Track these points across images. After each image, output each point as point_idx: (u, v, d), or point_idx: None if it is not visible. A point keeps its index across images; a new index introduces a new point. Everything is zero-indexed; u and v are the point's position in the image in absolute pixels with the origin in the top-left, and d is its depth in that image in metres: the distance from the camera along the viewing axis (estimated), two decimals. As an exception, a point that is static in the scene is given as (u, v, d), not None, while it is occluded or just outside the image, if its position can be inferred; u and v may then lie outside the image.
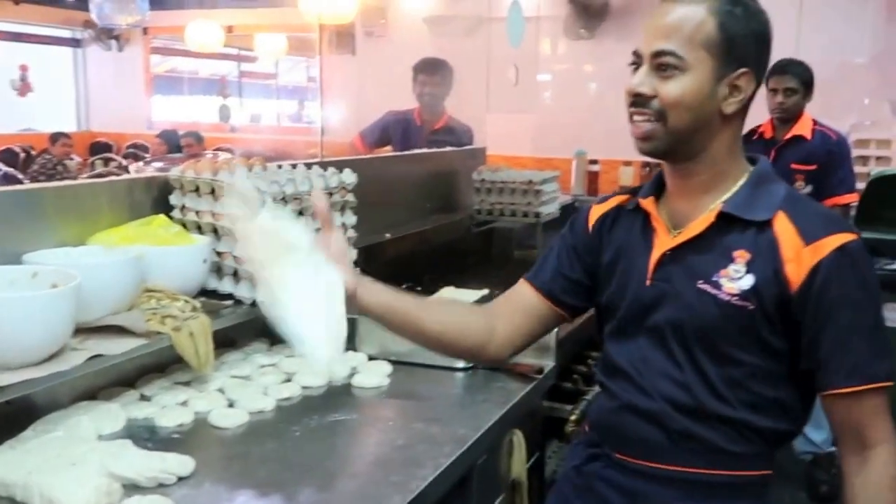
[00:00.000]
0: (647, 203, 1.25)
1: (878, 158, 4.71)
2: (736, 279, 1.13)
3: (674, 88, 1.12)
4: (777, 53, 3.77)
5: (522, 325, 1.36)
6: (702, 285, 1.15)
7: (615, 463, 1.24)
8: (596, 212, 1.35)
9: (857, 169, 4.67)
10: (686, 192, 1.21)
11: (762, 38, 1.16)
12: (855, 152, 4.71)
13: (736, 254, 1.14)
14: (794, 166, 3.28)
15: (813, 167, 3.27)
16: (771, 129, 3.39)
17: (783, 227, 1.13)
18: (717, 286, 1.14)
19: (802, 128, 3.33)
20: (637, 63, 1.16)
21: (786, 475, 3.27)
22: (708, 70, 1.12)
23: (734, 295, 1.13)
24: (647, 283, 1.21)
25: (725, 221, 1.16)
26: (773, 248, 1.12)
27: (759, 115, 3.38)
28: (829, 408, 1.15)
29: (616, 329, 1.27)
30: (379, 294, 1.30)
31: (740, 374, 1.15)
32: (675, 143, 1.15)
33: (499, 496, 1.64)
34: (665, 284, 1.19)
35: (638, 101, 1.15)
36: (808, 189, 3.25)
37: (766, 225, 1.14)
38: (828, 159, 3.28)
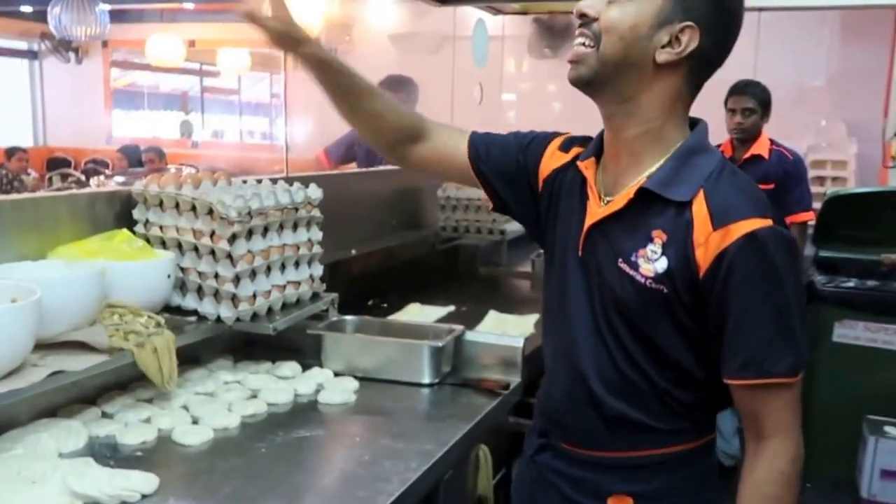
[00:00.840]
0: (586, 166, 1.24)
1: (835, 179, 4.82)
2: (652, 260, 1.12)
3: (615, 12, 1.11)
4: (735, 75, 3.85)
5: (442, 158, 1.40)
6: (621, 264, 1.15)
7: (561, 453, 1.28)
8: (553, 160, 1.32)
9: (814, 189, 4.77)
10: (617, 151, 1.19)
11: (730, 13, 1.14)
12: (811, 173, 4.80)
13: (654, 233, 1.13)
14: None
15: (770, 186, 3.31)
16: (730, 149, 3.46)
17: (699, 209, 1.10)
18: (635, 267, 1.14)
19: (760, 147, 3.40)
20: None
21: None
22: (653, 8, 1.10)
23: (649, 277, 1.12)
24: (580, 253, 1.21)
25: (647, 197, 1.14)
26: (687, 231, 1.10)
27: (720, 135, 3.46)
28: (731, 393, 1.15)
29: (554, 298, 1.28)
30: (324, 51, 1.33)
31: (661, 352, 1.16)
32: (602, 74, 1.13)
33: (465, 512, 1.64)
34: (591, 257, 1.20)
35: (583, 21, 1.14)
36: None
37: (686, 205, 1.11)
38: (784, 178, 3.35)
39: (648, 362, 1.16)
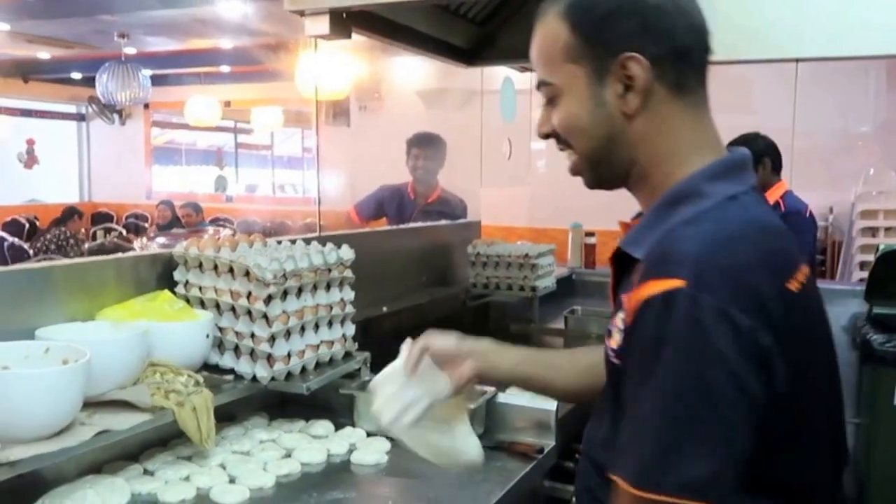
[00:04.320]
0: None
1: (888, 229, 4.64)
2: (620, 329, 0.92)
3: (559, 116, 0.98)
4: (773, 124, 3.76)
5: None
6: (606, 336, 0.97)
7: None
8: None
9: (865, 240, 4.54)
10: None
11: (638, 8, 0.93)
12: (861, 223, 4.60)
13: (623, 298, 0.92)
14: None
15: None
16: None
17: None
18: (610, 336, 0.95)
19: (767, 198, 3.34)
20: None
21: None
22: (582, 81, 0.95)
23: (613, 350, 0.94)
24: None
25: (624, 259, 0.96)
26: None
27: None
28: None
29: None
30: (502, 365, 1.26)
31: None
32: (599, 169, 1.00)
33: (499, 580, 1.61)
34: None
35: (553, 139, 1.02)
36: None
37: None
38: None
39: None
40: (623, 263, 0.96)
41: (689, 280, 0.81)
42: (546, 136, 1.02)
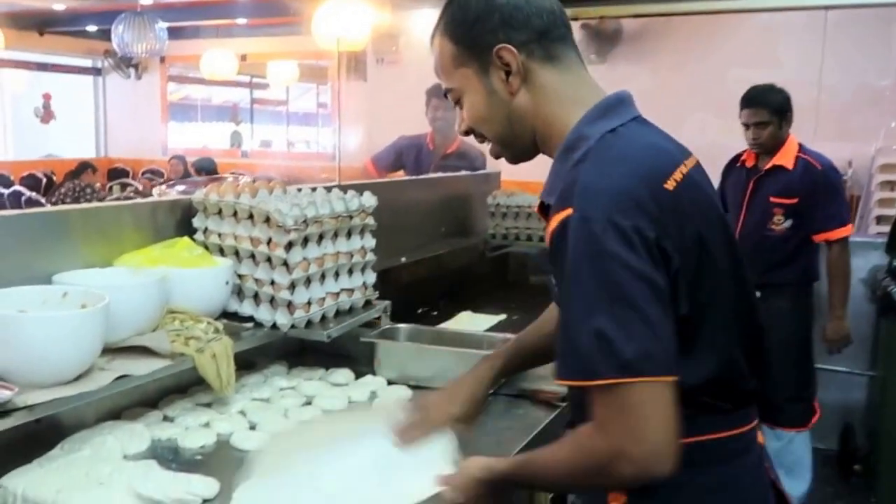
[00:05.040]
0: None
1: None
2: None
3: (467, 113, 1.17)
4: (801, 76, 3.60)
5: None
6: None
7: None
8: None
9: (884, 195, 4.48)
10: None
11: (486, 12, 1.12)
12: (881, 177, 4.53)
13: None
14: (772, 199, 2.99)
15: (793, 200, 2.94)
16: (753, 157, 3.09)
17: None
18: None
19: (784, 157, 2.99)
20: None
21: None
22: (473, 78, 1.14)
23: (553, 281, 1.07)
24: None
25: (544, 205, 1.09)
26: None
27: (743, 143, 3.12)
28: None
29: None
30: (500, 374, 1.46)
31: None
32: (512, 147, 1.18)
33: (521, 525, 1.61)
34: None
35: (473, 135, 1.20)
36: (788, 224, 2.95)
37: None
38: (812, 191, 2.93)
39: None
40: (546, 210, 1.08)
41: (576, 206, 0.99)
42: (466, 133, 1.20)
